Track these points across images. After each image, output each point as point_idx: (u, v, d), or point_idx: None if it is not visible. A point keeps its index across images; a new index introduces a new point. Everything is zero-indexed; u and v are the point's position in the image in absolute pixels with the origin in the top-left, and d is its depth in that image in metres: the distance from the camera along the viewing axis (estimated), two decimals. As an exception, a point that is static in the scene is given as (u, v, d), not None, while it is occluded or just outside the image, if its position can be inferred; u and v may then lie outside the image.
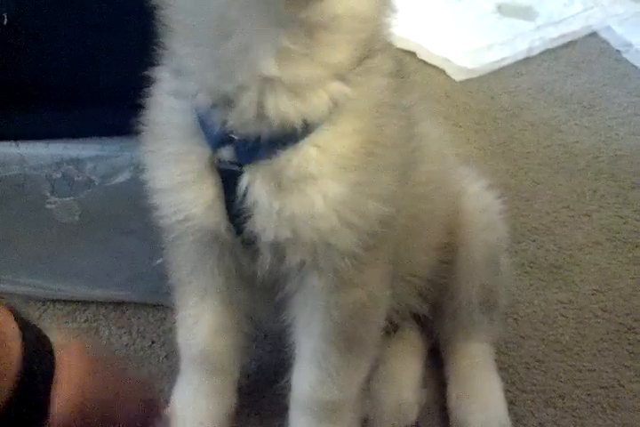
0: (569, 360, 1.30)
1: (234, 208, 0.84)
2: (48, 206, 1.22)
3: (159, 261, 1.08)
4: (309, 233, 0.82)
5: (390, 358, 1.21)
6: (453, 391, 1.21)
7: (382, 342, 1.04)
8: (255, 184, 0.82)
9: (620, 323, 1.37)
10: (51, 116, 1.15)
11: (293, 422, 1.02)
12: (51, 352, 0.58)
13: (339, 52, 0.77)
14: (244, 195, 0.83)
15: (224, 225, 0.87)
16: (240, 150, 0.81)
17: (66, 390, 0.57)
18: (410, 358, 1.24)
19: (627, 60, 2.11)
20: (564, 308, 1.39)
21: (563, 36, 2.18)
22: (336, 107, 0.79)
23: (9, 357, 0.54)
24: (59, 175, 1.19)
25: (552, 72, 2.07)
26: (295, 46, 0.74)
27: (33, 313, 1.34)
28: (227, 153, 0.82)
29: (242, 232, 0.86)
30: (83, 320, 1.35)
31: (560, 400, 1.24)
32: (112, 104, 1.09)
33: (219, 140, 0.82)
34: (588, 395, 1.24)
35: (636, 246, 1.53)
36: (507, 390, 1.22)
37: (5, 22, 1.07)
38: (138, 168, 1.12)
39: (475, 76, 2.03)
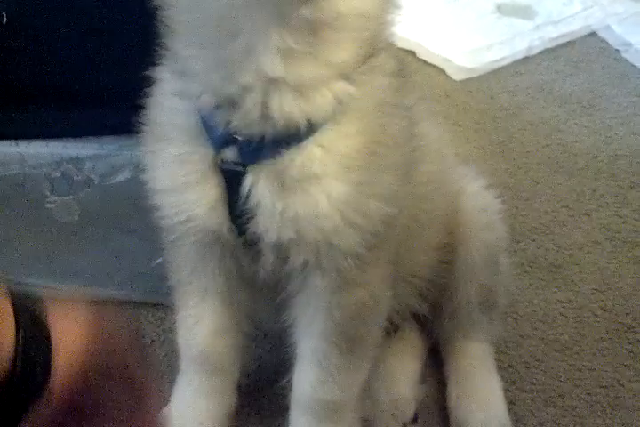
0: (569, 360, 1.30)
1: (237, 209, 0.84)
2: (48, 206, 1.22)
3: (159, 260, 1.08)
4: (313, 233, 0.82)
5: (389, 356, 1.21)
6: (453, 391, 1.21)
7: (383, 343, 1.05)
8: (258, 184, 0.82)
9: (620, 322, 1.37)
10: (50, 116, 1.15)
11: (294, 422, 1.02)
12: (47, 338, 0.57)
13: (343, 50, 0.77)
14: (247, 195, 0.82)
15: (226, 226, 0.86)
16: (244, 151, 0.81)
17: (63, 359, 0.57)
18: (408, 357, 1.24)
19: (626, 60, 2.11)
20: (564, 307, 1.39)
21: (562, 35, 2.18)
22: (340, 106, 0.79)
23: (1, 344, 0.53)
24: (58, 174, 1.19)
25: (551, 71, 2.07)
26: (299, 46, 0.74)
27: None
28: (230, 153, 0.82)
29: (244, 233, 0.86)
30: (82, 319, 1.34)
31: (560, 399, 1.24)
32: (112, 104, 1.09)
33: (222, 140, 0.81)
34: (588, 394, 1.25)
35: (636, 246, 1.53)
36: (506, 390, 1.22)
37: (5, 21, 1.07)
38: (137, 167, 1.12)
39: (474, 75, 2.03)
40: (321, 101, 0.78)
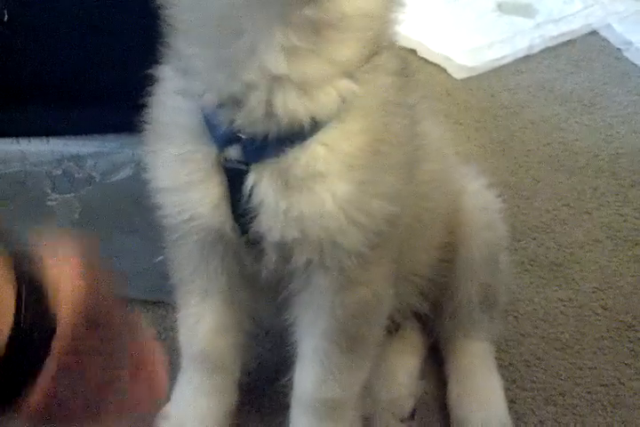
0: (569, 358, 1.30)
1: (239, 208, 0.84)
2: (49, 203, 1.22)
3: (160, 258, 1.07)
4: (317, 232, 0.82)
5: (389, 354, 1.21)
6: (454, 390, 1.21)
7: (384, 341, 1.05)
8: (262, 183, 0.82)
9: (621, 321, 1.37)
10: (51, 114, 1.15)
11: (295, 421, 1.02)
12: (45, 292, 0.57)
13: (347, 49, 0.77)
14: (250, 194, 0.82)
15: (229, 224, 0.86)
16: (247, 149, 0.81)
17: (65, 311, 0.58)
18: (408, 355, 1.24)
19: (627, 59, 2.10)
20: (565, 306, 1.40)
21: (563, 34, 2.18)
22: (344, 105, 0.79)
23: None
24: (59, 172, 1.19)
25: (552, 70, 2.07)
26: (303, 44, 0.74)
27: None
28: (233, 152, 0.82)
29: (247, 232, 0.86)
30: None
31: (560, 398, 1.24)
32: (113, 102, 1.09)
33: (225, 139, 0.81)
34: (589, 393, 1.25)
35: (636, 244, 1.53)
36: (507, 388, 1.22)
37: (6, 19, 1.07)
38: (138, 165, 1.12)
39: (475, 74, 2.03)
40: (325, 100, 0.78)
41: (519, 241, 1.51)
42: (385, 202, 0.83)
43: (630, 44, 2.12)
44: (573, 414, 1.22)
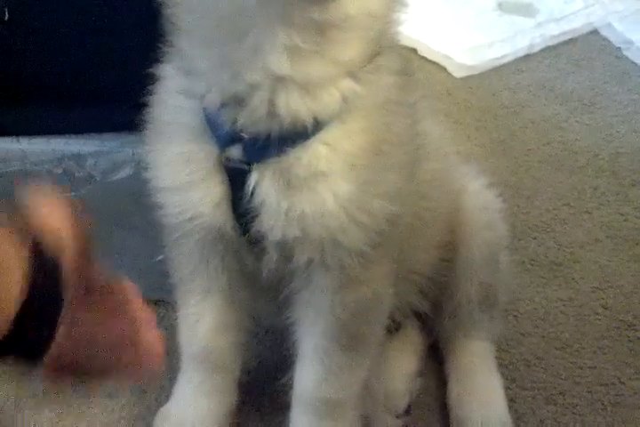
0: (569, 357, 1.30)
1: (241, 207, 0.84)
2: (49, 202, 1.22)
3: (160, 257, 1.07)
4: (319, 231, 0.82)
5: (388, 352, 1.21)
6: (454, 389, 1.21)
7: (384, 340, 1.05)
8: (263, 183, 0.82)
9: (621, 320, 1.37)
10: (52, 113, 1.15)
11: (295, 420, 1.02)
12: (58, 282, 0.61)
13: (350, 49, 0.77)
14: (252, 194, 0.82)
15: (230, 224, 0.86)
16: (249, 149, 0.81)
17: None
18: (407, 353, 1.24)
19: (627, 58, 2.10)
20: (565, 305, 1.40)
21: (563, 33, 2.17)
22: (346, 104, 0.79)
23: (8, 284, 0.56)
24: (60, 171, 1.19)
25: (553, 69, 2.07)
26: (306, 44, 0.74)
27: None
28: (235, 151, 0.82)
29: (248, 231, 0.86)
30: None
31: (560, 397, 1.24)
32: (113, 101, 1.09)
33: (228, 138, 0.81)
34: (589, 392, 1.25)
35: (637, 244, 1.53)
36: (507, 388, 1.22)
37: (7, 18, 1.07)
38: (139, 164, 1.12)
39: (475, 73, 2.03)
40: (327, 99, 0.78)
41: (519, 240, 1.51)
42: (386, 201, 0.84)
43: (631, 43, 2.12)
44: (573, 413, 1.22)
